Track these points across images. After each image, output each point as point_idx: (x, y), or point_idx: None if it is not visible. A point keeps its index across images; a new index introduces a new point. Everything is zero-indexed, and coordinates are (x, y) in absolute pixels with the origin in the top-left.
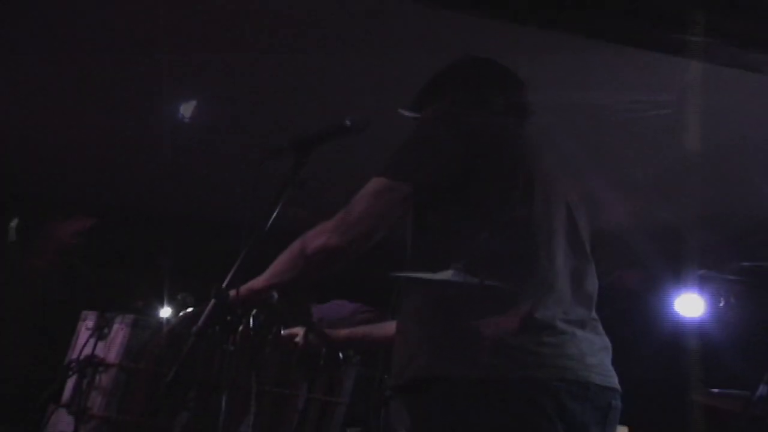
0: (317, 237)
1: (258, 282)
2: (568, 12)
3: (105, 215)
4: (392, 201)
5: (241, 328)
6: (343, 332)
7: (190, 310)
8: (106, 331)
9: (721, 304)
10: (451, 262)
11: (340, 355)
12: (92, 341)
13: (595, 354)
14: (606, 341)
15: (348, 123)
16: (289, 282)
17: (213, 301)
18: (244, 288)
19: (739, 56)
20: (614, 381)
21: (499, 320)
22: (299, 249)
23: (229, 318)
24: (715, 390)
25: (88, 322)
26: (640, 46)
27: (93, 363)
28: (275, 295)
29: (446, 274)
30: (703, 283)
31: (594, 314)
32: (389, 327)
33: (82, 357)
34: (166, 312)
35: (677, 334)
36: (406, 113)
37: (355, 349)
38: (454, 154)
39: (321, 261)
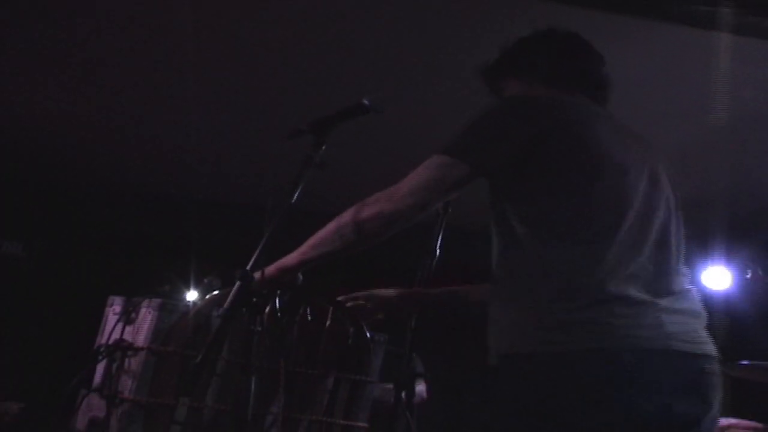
0: (372, 204)
1: (290, 259)
2: None
3: (131, 200)
4: (448, 178)
5: (267, 309)
6: (434, 291)
7: (216, 292)
8: (133, 315)
9: (748, 276)
10: (527, 240)
11: (368, 334)
12: (120, 326)
13: (678, 322)
14: (697, 309)
15: (366, 102)
16: (327, 256)
17: (238, 283)
18: (272, 267)
19: (762, 25)
20: (705, 347)
21: (570, 294)
22: (351, 218)
23: (255, 300)
24: (744, 362)
25: (115, 307)
26: (663, 19)
27: (122, 347)
28: (300, 277)
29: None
30: (730, 255)
31: (684, 283)
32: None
33: (110, 341)
34: (192, 296)
35: (704, 306)
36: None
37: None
38: (520, 141)
39: (376, 228)
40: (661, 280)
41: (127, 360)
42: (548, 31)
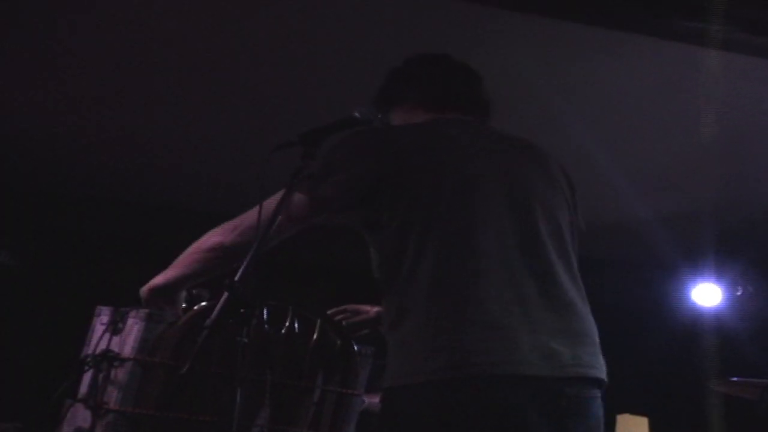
0: (213, 235)
1: (167, 276)
2: (584, 2)
3: (121, 210)
4: (293, 212)
5: (254, 321)
6: (375, 310)
7: (203, 303)
8: (120, 325)
9: (739, 293)
10: (390, 271)
11: (356, 347)
12: (107, 336)
13: (543, 345)
14: (577, 327)
15: (357, 115)
16: (195, 276)
17: (226, 294)
18: (147, 287)
19: (752, 42)
20: (577, 370)
21: (427, 324)
22: (197, 245)
23: (242, 311)
24: (734, 378)
25: (102, 317)
26: (654, 35)
27: (108, 357)
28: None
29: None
30: (720, 272)
31: (563, 298)
32: None
33: (97, 351)
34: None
35: (694, 323)
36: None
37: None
38: (360, 171)
39: (213, 258)
40: (532, 300)
41: (113, 370)
42: (419, 56)
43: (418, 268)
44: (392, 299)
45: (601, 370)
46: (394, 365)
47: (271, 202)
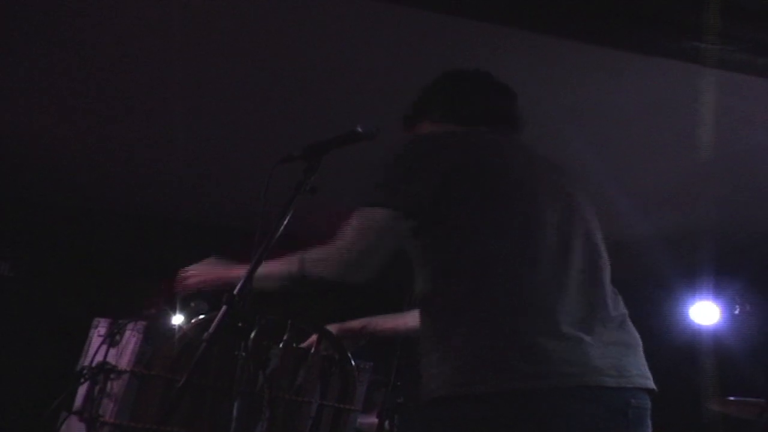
0: (316, 265)
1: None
2: (585, 21)
3: (120, 222)
4: (377, 230)
5: (253, 335)
6: (358, 322)
7: (202, 317)
8: (118, 337)
9: (737, 312)
10: (445, 279)
11: (353, 362)
12: (104, 348)
13: (607, 356)
14: (628, 339)
15: (359, 129)
16: (274, 288)
17: (224, 307)
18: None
19: (751, 62)
20: (636, 380)
21: (493, 335)
22: (298, 269)
23: (240, 324)
24: (731, 397)
25: (100, 329)
26: (654, 54)
27: (105, 369)
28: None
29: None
30: (718, 291)
31: (612, 311)
32: (402, 318)
33: (94, 364)
34: (178, 319)
35: (693, 341)
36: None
37: (369, 339)
38: (429, 176)
39: (318, 285)
40: (589, 311)
41: (109, 383)
42: (455, 71)
43: (485, 277)
44: (448, 307)
45: (652, 381)
46: (452, 374)
47: (345, 230)
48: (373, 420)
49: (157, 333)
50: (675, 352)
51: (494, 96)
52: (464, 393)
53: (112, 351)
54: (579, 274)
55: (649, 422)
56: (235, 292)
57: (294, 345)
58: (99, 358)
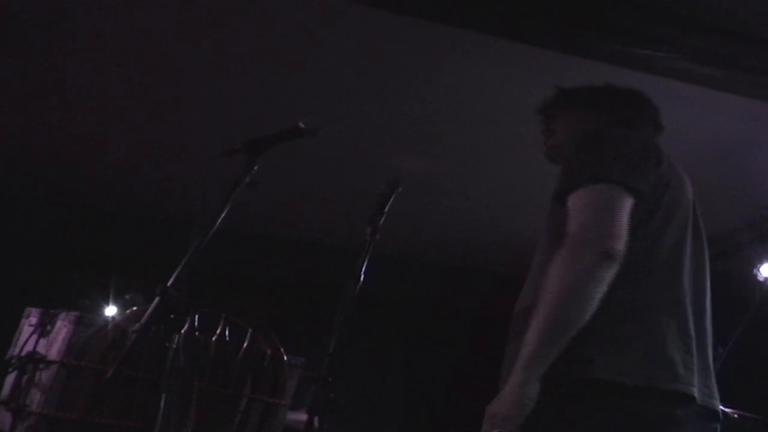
0: (564, 273)
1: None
2: (535, 26)
3: (54, 211)
4: (622, 207)
5: (185, 327)
6: None
7: (135, 308)
8: (48, 327)
9: None
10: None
11: (285, 356)
12: (34, 337)
13: (705, 379)
14: (707, 360)
15: (302, 125)
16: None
17: (157, 299)
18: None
19: (696, 71)
20: (715, 403)
21: (645, 332)
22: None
23: (172, 316)
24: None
25: (31, 319)
26: (606, 61)
27: (34, 359)
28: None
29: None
30: None
31: (709, 340)
32: None
33: (23, 353)
34: (112, 311)
35: None
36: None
37: None
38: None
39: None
40: (699, 336)
41: (38, 373)
42: (610, 84)
43: (649, 277)
44: (623, 296)
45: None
46: (604, 360)
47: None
48: (304, 417)
49: (89, 324)
50: None
51: (646, 104)
52: (610, 380)
53: (43, 341)
54: (694, 299)
55: None
56: (168, 284)
57: (226, 338)
58: (29, 347)
